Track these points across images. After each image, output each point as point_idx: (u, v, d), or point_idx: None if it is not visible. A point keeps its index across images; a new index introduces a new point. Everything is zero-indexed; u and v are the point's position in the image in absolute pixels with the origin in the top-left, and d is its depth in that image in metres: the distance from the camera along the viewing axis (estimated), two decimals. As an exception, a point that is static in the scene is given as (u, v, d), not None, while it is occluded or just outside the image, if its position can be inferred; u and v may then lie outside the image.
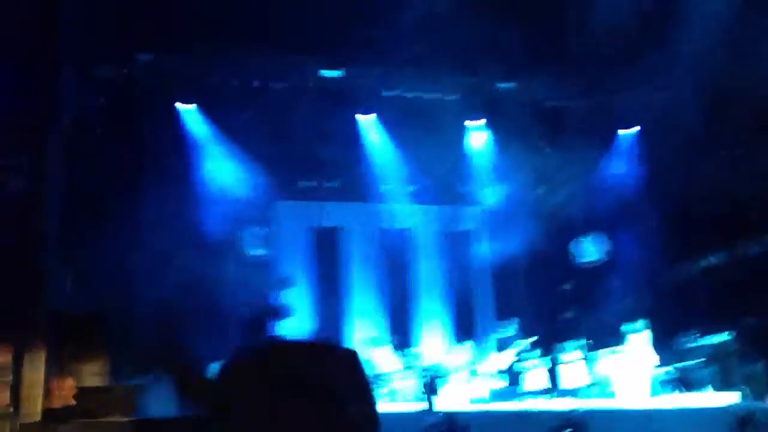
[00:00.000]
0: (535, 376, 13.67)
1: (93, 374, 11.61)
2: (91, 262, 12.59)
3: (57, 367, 10.34)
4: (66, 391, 9.38)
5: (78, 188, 12.59)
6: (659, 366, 12.82)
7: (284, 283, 15.60)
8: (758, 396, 12.51)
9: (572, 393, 13.00)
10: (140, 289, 13.41)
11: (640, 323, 12.97)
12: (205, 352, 14.07)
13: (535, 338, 13.52)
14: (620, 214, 14.67)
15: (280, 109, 14.82)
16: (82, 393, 10.67)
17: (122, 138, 13.68)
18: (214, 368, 11.97)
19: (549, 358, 13.75)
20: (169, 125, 14.65)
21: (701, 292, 14.58)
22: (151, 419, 11.37)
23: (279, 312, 13.44)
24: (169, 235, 14.07)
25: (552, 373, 13.74)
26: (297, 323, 14.56)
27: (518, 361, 13.59)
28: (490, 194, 16.80)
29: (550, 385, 13.46)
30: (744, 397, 12.27)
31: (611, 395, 12.84)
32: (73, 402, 9.44)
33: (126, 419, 10.54)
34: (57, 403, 9.34)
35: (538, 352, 13.83)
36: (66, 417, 9.16)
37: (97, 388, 11.52)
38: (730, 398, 12.12)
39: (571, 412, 11.26)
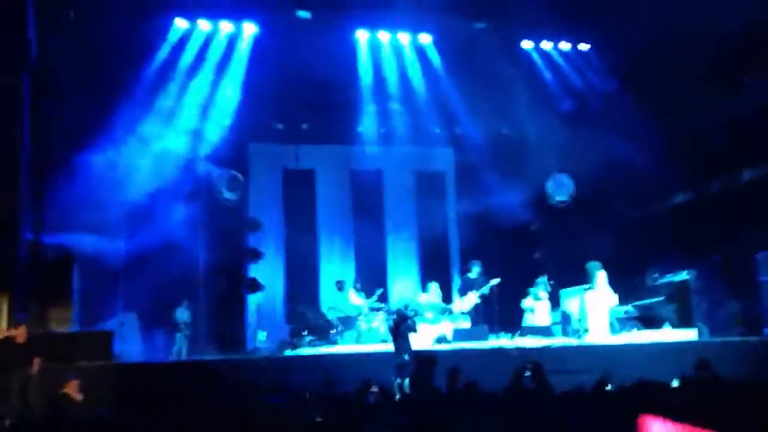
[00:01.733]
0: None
1: (61, 320, 11.81)
2: (59, 206, 12.64)
3: (24, 314, 10.52)
4: (19, 338, 9.53)
5: (46, 134, 12.58)
6: (620, 304, 13.04)
7: (254, 225, 15.70)
8: (714, 333, 12.83)
9: (537, 331, 13.26)
10: (110, 234, 13.47)
11: (602, 263, 13.12)
12: (180, 294, 14.34)
13: (498, 280, 13.68)
14: (587, 155, 14.70)
15: (254, 51, 14.77)
16: (49, 338, 10.88)
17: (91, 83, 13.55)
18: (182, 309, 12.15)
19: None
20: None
21: (663, 231, 14.77)
22: (125, 364, 11.65)
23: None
24: (140, 180, 14.10)
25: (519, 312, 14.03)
26: (270, 265, 14.78)
27: (483, 300, 13.79)
28: (462, 135, 16.80)
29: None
30: (701, 334, 12.56)
31: (575, 333, 13.14)
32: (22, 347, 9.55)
33: (100, 364, 10.80)
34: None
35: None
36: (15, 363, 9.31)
37: (69, 333, 11.77)
38: (688, 335, 12.42)
39: (535, 349, 11.55)
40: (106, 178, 13.50)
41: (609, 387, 8.31)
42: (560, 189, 15.89)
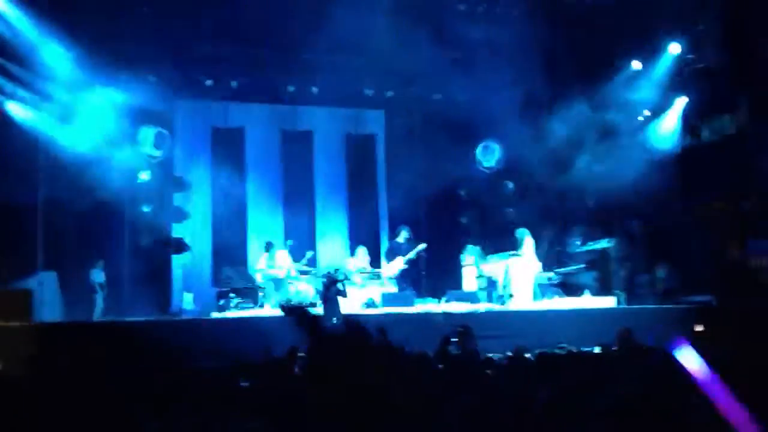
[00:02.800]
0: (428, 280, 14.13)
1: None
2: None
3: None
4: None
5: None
6: (543, 271, 13.34)
7: (180, 184, 15.39)
8: (632, 301, 13.29)
9: (462, 297, 13.48)
10: (26, 187, 12.96)
11: (526, 230, 13.35)
12: (101, 253, 14.01)
13: (424, 245, 13.79)
14: (515, 121, 14.88)
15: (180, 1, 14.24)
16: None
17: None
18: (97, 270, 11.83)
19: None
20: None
21: (586, 200, 15.11)
22: (45, 323, 11.34)
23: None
24: (61, 134, 13.60)
25: (445, 278, 14.23)
26: (196, 225, 14.47)
27: (411, 266, 13.92)
28: (394, 98, 16.71)
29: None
30: (619, 302, 12.99)
31: (500, 299, 13.41)
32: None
33: (19, 323, 10.48)
34: None
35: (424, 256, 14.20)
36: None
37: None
38: (607, 302, 12.84)
39: (462, 314, 11.73)
40: (24, 132, 13.00)
41: (528, 355, 8.51)
42: (488, 155, 16.04)
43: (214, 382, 7.28)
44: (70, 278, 13.27)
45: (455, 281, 14.40)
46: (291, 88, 16.20)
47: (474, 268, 14.26)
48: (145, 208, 14.73)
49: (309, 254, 14.15)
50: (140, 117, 14.73)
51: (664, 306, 12.88)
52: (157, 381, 7.32)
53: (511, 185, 15.64)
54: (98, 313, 13.37)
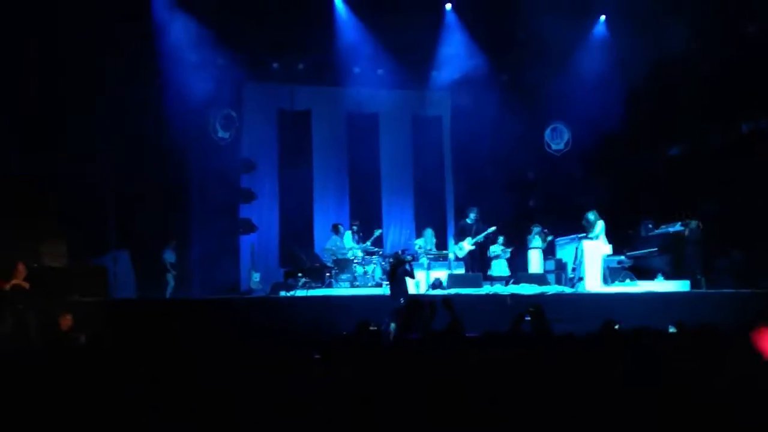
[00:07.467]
0: (498, 263, 14.01)
1: (53, 255, 11.70)
2: (50, 139, 12.45)
3: (13, 249, 10.37)
4: (19, 273, 9.45)
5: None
6: (613, 254, 13.02)
7: (248, 166, 15.59)
8: (709, 285, 12.86)
9: (532, 279, 13.28)
10: (102, 167, 13.25)
11: (596, 213, 13.07)
12: (172, 233, 14.28)
13: (494, 228, 13.65)
14: (586, 103, 14.59)
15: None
16: (44, 273, 10.82)
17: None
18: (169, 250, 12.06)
19: (507, 246, 14.02)
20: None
21: (659, 182, 14.74)
22: (120, 300, 11.63)
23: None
24: (136, 116, 13.83)
25: (512, 260, 14.09)
26: (264, 206, 14.62)
27: (478, 248, 13.80)
28: (460, 79, 16.53)
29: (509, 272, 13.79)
30: (694, 286, 12.61)
31: (569, 282, 13.17)
32: (25, 283, 9.49)
33: (96, 299, 10.77)
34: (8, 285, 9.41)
35: (500, 239, 14.03)
36: (19, 298, 9.26)
37: (64, 268, 11.70)
38: (682, 286, 12.48)
39: (531, 297, 11.55)
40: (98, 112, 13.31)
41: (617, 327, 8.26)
42: (557, 137, 15.80)
43: (285, 356, 7.34)
44: (142, 257, 13.57)
45: (522, 264, 14.21)
46: (357, 70, 16.21)
47: (540, 250, 14.04)
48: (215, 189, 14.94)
49: (377, 232, 14.16)
50: (209, 100, 14.92)
51: (742, 291, 12.44)
52: (230, 355, 7.41)
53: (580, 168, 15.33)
54: (170, 291, 13.66)
